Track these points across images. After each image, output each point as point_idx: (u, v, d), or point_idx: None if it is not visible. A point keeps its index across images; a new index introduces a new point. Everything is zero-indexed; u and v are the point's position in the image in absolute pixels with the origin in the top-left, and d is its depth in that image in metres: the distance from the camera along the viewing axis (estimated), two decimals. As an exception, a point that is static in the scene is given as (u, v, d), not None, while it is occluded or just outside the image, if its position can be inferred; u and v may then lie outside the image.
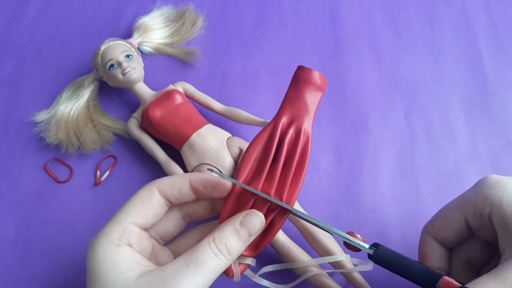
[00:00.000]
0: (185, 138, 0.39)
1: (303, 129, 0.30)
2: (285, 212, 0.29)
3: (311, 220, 0.29)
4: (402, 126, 0.44)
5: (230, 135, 0.41)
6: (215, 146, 0.39)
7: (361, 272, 0.35)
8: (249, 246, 0.28)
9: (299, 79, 0.31)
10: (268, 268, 0.32)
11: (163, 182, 0.28)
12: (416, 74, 0.47)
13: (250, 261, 0.29)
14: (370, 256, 0.29)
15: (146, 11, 0.50)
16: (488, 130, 0.44)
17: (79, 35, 0.51)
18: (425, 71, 0.47)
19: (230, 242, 0.26)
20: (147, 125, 0.41)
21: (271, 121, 0.31)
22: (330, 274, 0.36)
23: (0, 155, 0.44)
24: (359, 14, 0.51)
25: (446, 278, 0.26)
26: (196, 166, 0.39)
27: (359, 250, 0.28)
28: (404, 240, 0.39)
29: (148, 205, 0.27)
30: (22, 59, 0.50)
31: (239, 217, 0.27)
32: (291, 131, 0.30)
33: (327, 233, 0.32)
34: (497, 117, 0.44)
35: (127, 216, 0.27)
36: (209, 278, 0.25)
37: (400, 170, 0.42)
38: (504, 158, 0.42)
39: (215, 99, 0.43)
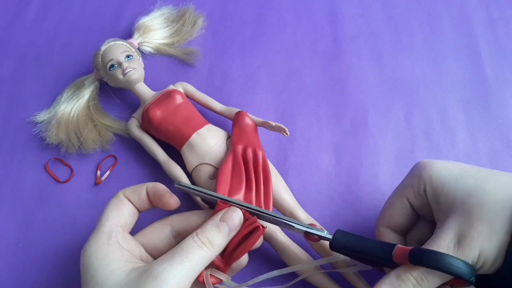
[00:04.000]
0: (185, 138, 0.39)
1: (257, 149, 0.38)
2: (261, 224, 0.31)
3: (273, 215, 0.32)
4: (402, 126, 0.44)
5: (230, 135, 0.41)
6: (215, 146, 0.39)
7: (360, 272, 0.35)
8: (226, 253, 0.31)
9: (238, 120, 0.40)
10: (265, 276, 0.33)
11: (127, 189, 0.32)
12: (416, 74, 0.47)
13: (224, 278, 0.31)
14: (330, 245, 0.31)
15: (147, 11, 0.50)
16: (488, 130, 0.44)
17: (79, 35, 0.51)
18: (425, 71, 0.48)
19: (212, 235, 0.29)
20: (147, 125, 0.41)
21: (230, 151, 0.38)
22: (329, 274, 0.36)
23: (0, 155, 0.44)
24: (359, 14, 0.51)
25: (399, 245, 0.29)
26: (196, 166, 0.39)
27: (319, 239, 0.31)
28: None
29: (121, 208, 0.31)
30: (22, 59, 0.50)
31: (219, 214, 0.30)
32: (249, 152, 0.37)
33: None
34: (497, 117, 0.44)
35: (108, 219, 0.30)
36: (195, 267, 0.27)
37: (400, 170, 0.42)
38: (504, 158, 0.42)
39: (215, 99, 0.43)
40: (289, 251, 0.35)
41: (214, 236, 0.29)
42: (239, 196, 0.35)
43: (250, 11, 0.52)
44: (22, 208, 0.41)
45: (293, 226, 0.31)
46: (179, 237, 0.32)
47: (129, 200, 0.32)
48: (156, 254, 0.31)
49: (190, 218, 0.32)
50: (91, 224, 0.40)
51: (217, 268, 0.31)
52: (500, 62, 0.48)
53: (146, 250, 0.32)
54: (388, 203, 0.34)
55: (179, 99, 0.41)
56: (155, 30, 0.49)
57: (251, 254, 0.35)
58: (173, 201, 0.32)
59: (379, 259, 0.29)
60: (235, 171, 0.36)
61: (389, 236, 0.33)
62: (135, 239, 0.31)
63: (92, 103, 0.45)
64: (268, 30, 0.51)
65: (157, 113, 0.40)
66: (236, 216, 0.30)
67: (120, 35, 0.48)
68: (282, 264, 0.36)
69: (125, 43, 0.44)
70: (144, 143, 0.42)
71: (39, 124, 0.45)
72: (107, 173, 0.43)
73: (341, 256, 0.33)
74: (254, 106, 0.46)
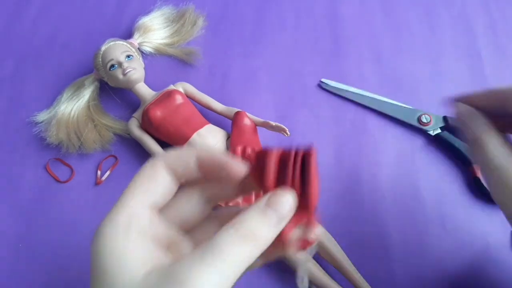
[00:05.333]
0: (186, 138, 0.39)
1: (256, 149, 0.38)
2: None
3: None
4: (402, 126, 0.44)
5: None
6: (215, 146, 0.39)
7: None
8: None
9: (237, 120, 0.40)
10: None
11: (168, 156, 0.24)
12: (416, 74, 0.47)
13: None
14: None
15: (147, 11, 0.50)
16: (488, 130, 0.44)
17: (79, 36, 0.51)
18: (425, 71, 0.48)
19: (255, 225, 0.21)
20: (147, 125, 0.41)
21: (229, 152, 0.39)
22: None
23: (0, 155, 0.44)
24: (359, 14, 0.51)
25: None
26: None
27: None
28: (405, 240, 0.39)
29: (155, 182, 0.24)
30: (22, 59, 0.50)
31: (264, 199, 0.23)
32: (248, 152, 0.37)
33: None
34: (497, 117, 0.44)
35: (133, 197, 0.23)
36: (233, 271, 0.20)
37: (400, 170, 0.42)
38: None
39: (215, 99, 0.43)
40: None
41: (259, 225, 0.21)
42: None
43: (250, 11, 0.52)
44: (22, 207, 0.41)
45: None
46: (214, 202, 0.25)
47: (170, 171, 0.24)
48: (188, 225, 0.25)
49: (187, 157, 0.24)
50: (91, 224, 0.40)
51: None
52: (500, 62, 0.48)
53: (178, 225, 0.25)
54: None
55: (179, 99, 0.41)
56: (155, 30, 0.49)
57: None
58: (239, 168, 0.24)
59: None
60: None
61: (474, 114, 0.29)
62: (166, 218, 0.24)
63: (92, 103, 0.45)
64: (268, 30, 0.51)
65: (157, 113, 0.40)
66: (287, 200, 0.23)
67: (120, 35, 0.48)
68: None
69: (125, 43, 0.44)
70: (144, 143, 0.42)
71: (39, 124, 0.45)
72: (108, 173, 0.43)
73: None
74: (254, 106, 0.46)
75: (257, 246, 0.21)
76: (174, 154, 0.24)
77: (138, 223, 0.22)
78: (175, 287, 0.19)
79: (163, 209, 0.24)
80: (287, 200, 0.23)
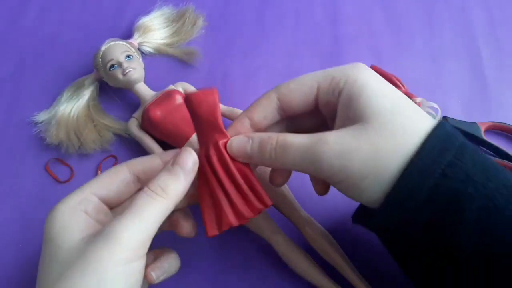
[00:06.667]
0: (186, 138, 0.39)
1: (218, 142, 0.29)
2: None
3: None
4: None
5: (230, 135, 0.41)
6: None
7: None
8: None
9: (191, 107, 0.29)
10: None
11: (132, 162, 0.29)
12: (416, 74, 0.47)
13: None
14: None
15: (147, 11, 0.50)
16: (488, 130, 0.44)
17: (79, 36, 0.51)
18: (425, 71, 0.48)
19: (164, 181, 0.26)
20: (147, 125, 0.41)
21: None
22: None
23: (0, 155, 0.44)
24: (359, 14, 0.51)
25: None
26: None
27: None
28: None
29: (113, 180, 0.28)
30: (22, 59, 0.50)
31: (171, 160, 0.27)
32: (212, 153, 0.29)
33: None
34: (496, 117, 0.44)
35: (90, 187, 0.28)
36: (150, 223, 0.25)
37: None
38: (504, 158, 0.42)
39: (215, 99, 0.43)
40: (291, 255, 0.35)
41: (167, 181, 0.26)
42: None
43: (250, 11, 0.52)
44: (22, 208, 0.41)
45: None
46: (141, 183, 0.29)
47: (135, 173, 0.29)
48: (115, 205, 0.29)
49: (151, 161, 0.29)
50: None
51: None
52: (500, 62, 0.48)
53: (106, 203, 0.29)
54: (300, 77, 0.30)
55: (179, 99, 0.41)
56: (155, 30, 0.49)
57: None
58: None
59: None
60: (212, 192, 0.29)
61: (270, 105, 0.30)
62: (94, 194, 0.28)
63: (92, 103, 0.45)
64: (268, 30, 0.51)
65: (157, 113, 0.40)
66: (188, 157, 0.27)
67: (120, 35, 0.48)
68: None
69: (125, 43, 0.44)
70: (144, 143, 0.42)
71: (39, 124, 0.44)
72: (107, 173, 0.42)
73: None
74: (254, 106, 0.46)
75: (169, 199, 0.26)
76: (140, 159, 0.30)
77: (86, 205, 0.27)
78: (105, 242, 0.23)
79: (94, 186, 0.28)
80: (189, 156, 0.27)
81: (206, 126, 0.29)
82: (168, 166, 0.27)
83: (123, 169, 0.29)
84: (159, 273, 0.28)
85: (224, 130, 0.29)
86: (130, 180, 0.29)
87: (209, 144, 0.29)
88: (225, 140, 0.29)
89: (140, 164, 0.29)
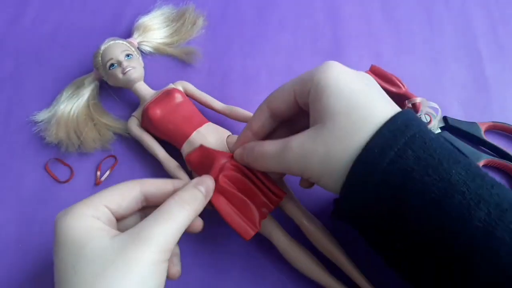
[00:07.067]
0: (186, 137, 0.39)
1: (229, 161, 0.34)
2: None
3: None
4: (402, 126, 0.44)
5: (230, 133, 0.41)
6: (215, 144, 0.39)
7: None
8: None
9: (192, 167, 0.39)
10: None
11: (147, 180, 0.31)
12: (416, 74, 0.47)
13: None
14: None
15: (146, 11, 0.50)
16: (488, 130, 0.44)
17: (79, 35, 0.51)
18: (425, 71, 0.48)
19: (190, 196, 0.29)
20: (147, 124, 0.41)
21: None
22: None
23: (0, 155, 0.44)
24: (359, 14, 0.52)
25: None
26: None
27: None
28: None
29: (125, 197, 0.29)
30: (22, 59, 0.50)
31: (194, 181, 0.31)
32: (226, 167, 0.34)
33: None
34: (496, 117, 0.44)
35: (100, 198, 0.28)
36: (178, 227, 0.27)
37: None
38: (504, 158, 0.42)
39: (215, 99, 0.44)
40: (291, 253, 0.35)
41: (192, 196, 0.29)
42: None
43: (250, 11, 0.52)
44: (22, 208, 0.41)
45: None
46: (146, 203, 0.31)
47: (146, 194, 0.30)
48: (120, 219, 0.30)
49: (164, 185, 0.31)
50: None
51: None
52: (500, 62, 0.48)
53: (114, 216, 0.29)
54: (281, 86, 0.33)
55: (179, 97, 0.41)
56: (155, 30, 0.49)
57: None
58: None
59: None
60: (233, 200, 0.34)
61: (263, 115, 0.33)
62: (105, 206, 0.29)
63: (92, 102, 0.45)
64: (268, 30, 0.51)
65: (157, 112, 0.40)
66: (209, 181, 0.32)
67: (120, 35, 0.48)
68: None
69: (125, 42, 0.44)
70: (144, 142, 0.42)
71: (39, 123, 0.44)
72: (107, 173, 0.42)
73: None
74: (254, 105, 0.45)
75: (193, 212, 0.29)
76: (152, 180, 0.31)
77: (98, 214, 0.27)
78: (140, 242, 0.25)
79: (103, 199, 0.29)
80: (209, 181, 0.32)
81: (211, 164, 0.34)
82: (194, 183, 0.31)
83: (136, 188, 0.30)
84: (177, 264, 0.31)
85: (224, 152, 0.35)
86: (139, 200, 0.30)
87: (221, 166, 0.34)
88: (230, 156, 0.34)
89: (153, 186, 0.30)
